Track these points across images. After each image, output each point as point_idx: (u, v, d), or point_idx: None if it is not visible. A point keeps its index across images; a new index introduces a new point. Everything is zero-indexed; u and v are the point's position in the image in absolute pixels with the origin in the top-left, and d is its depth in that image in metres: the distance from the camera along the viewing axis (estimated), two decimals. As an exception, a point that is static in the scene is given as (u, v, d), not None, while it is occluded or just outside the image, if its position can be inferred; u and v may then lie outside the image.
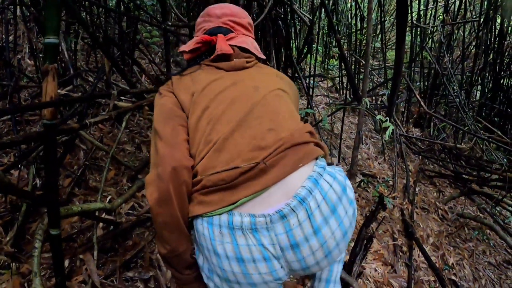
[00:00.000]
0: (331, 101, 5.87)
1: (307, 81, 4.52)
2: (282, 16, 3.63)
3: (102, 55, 4.06)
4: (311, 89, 4.34)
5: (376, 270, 2.71)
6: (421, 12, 6.00)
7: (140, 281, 2.11)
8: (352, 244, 2.24)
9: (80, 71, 3.62)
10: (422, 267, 2.94)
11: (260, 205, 1.11)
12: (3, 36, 3.20)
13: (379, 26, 6.29)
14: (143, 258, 2.24)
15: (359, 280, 2.44)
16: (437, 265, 2.94)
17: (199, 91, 1.30)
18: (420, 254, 2.98)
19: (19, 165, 2.45)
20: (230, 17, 1.53)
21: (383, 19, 5.68)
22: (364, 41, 5.71)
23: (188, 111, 1.28)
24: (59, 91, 1.72)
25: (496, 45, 5.32)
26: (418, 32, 5.46)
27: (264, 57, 1.54)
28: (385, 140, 4.79)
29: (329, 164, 1.29)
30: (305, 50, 4.22)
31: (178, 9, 4.77)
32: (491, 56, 5.44)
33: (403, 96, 5.88)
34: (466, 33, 6.15)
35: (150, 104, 2.22)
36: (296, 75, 4.01)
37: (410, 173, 4.21)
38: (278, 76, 1.49)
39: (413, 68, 5.80)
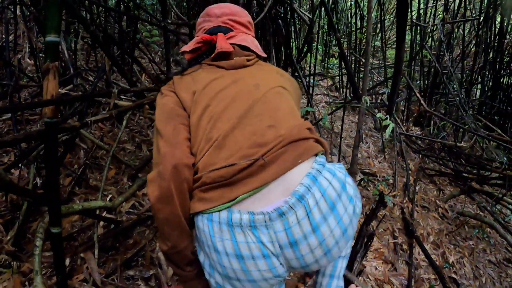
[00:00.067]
0: (331, 100, 5.87)
1: (307, 80, 4.53)
2: (282, 15, 3.63)
3: (102, 54, 4.06)
4: (311, 88, 4.35)
5: (376, 268, 2.71)
6: (421, 11, 6.00)
7: (141, 279, 2.11)
8: (353, 242, 2.24)
9: (80, 70, 3.62)
10: (423, 265, 2.95)
11: (259, 202, 1.11)
12: (3, 36, 3.20)
13: (379, 25, 6.29)
14: (144, 256, 2.25)
15: (360, 278, 2.44)
16: (437, 263, 2.94)
17: (200, 90, 1.30)
18: (421, 252, 2.98)
19: (20, 164, 2.45)
20: (230, 16, 1.54)
21: (383, 17, 5.68)
22: (364, 40, 5.71)
23: (190, 110, 1.29)
24: (59, 90, 1.72)
25: (496, 44, 5.31)
26: (418, 31, 5.46)
27: (265, 55, 1.54)
28: (385, 139, 4.79)
29: (329, 162, 1.29)
30: (305, 49, 4.21)
31: (178, 8, 4.78)
32: (491, 55, 5.43)
33: (403, 95, 5.89)
34: (466, 31, 6.15)
35: (151, 103, 2.22)
36: (296, 74, 4.01)
37: (410, 172, 4.22)
38: (278, 73, 1.49)
39: (413, 67, 5.80)
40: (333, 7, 5.61)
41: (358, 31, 5.90)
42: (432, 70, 5.77)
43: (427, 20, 5.79)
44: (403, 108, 6.06)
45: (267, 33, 3.38)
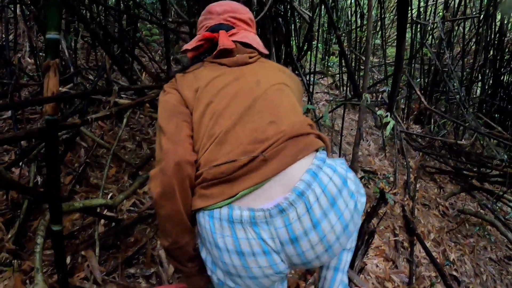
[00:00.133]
0: (331, 98, 5.87)
1: (307, 78, 4.52)
2: (282, 13, 3.62)
3: (102, 53, 4.06)
4: (311, 86, 4.35)
5: (377, 266, 2.71)
6: (421, 9, 6.00)
7: (142, 277, 2.11)
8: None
9: (81, 69, 3.62)
10: (424, 263, 2.95)
11: (260, 198, 1.11)
12: (3, 35, 3.20)
13: (379, 23, 6.28)
14: (144, 254, 2.25)
15: (361, 275, 2.44)
16: (438, 260, 2.94)
17: (203, 88, 1.31)
18: (421, 249, 2.98)
19: (20, 163, 2.45)
20: (231, 14, 1.54)
21: (383, 16, 5.67)
22: (364, 38, 5.71)
23: (192, 108, 1.30)
24: (59, 88, 1.72)
25: (496, 42, 5.30)
26: (418, 29, 5.45)
27: (267, 52, 1.54)
28: (385, 137, 4.79)
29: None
30: (305, 47, 4.21)
31: (178, 6, 4.77)
32: (491, 53, 5.42)
33: (404, 93, 5.88)
34: (466, 29, 6.15)
35: (151, 101, 2.22)
36: (296, 72, 4.00)
37: (410, 170, 4.22)
38: (280, 70, 1.49)
39: (413, 65, 5.79)
40: (333, 5, 5.60)
41: (358, 29, 5.90)
42: (432, 68, 5.77)
43: (427, 18, 5.79)
44: (403, 106, 6.06)
45: (267, 31, 3.37)
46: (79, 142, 2.94)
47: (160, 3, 3.27)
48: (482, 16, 5.11)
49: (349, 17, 6.65)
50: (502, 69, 5.55)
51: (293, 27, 4.44)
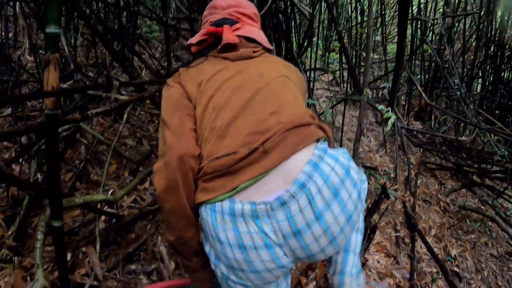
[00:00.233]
0: (331, 95, 5.86)
1: (308, 75, 4.51)
2: (282, 9, 3.61)
3: (102, 50, 4.06)
4: (311, 83, 4.34)
5: (379, 262, 2.71)
6: (422, 5, 5.98)
7: (143, 273, 2.11)
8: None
9: (80, 66, 3.61)
10: (425, 259, 2.94)
11: (261, 191, 1.10)
12: (3, 33, 3.20)
13: (380, 20, 6.27)
14: (145, 250, 2.25)
15: (362, 271, 2.44)
16: (439, 256, 2.93)
17: (206, 81, 1.31)
18: (423, 245, 2.97)
19: (20, 160, 2.45)
20: (236, 8, 1.55)
21: (383, 12, 5.66)
22: (365, 35, 5.70)
23: (195, 102, 1.30)
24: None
25: (497, 38, 5.30)
26: (419, 25, 5.44)
27: (271, 47, 1.54)
28: (386, 133, 4.78)
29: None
30: (305, 44, 4.20)
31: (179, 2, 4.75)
32: (492, 49, 5.41)
33: (404, 89, 5.87)
34: (467, 25, 6.13)
35: (152, 97, 2.22)
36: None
37: (411, 166, 4.21)
38: (284, 65, 1.49)
39: (413, 61, 5.79)
40: (333, 1, 5.59)
41: (358, 25, 5.88)
42: (433, 64, 5.75)
43: (427, 14, 5.77)
44: (403, 103, 6.05)
45: (268, 28, 3.37)
46: (80, 139, 2.94)
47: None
48: (482, 12, 5.10)
49: (349, 13, 6.64)
50: (503, 66, 5.54)
51: (293, 24, 4.43)
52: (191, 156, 1.17)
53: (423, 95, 4.72)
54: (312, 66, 4.70)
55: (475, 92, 6.21)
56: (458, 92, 4.88)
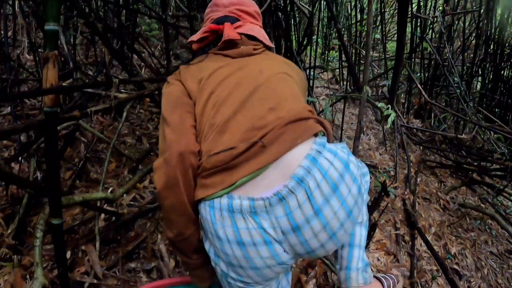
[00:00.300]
0: (331, 93, 5.86)
1: (307, 73, 4.51)
2: (282, 7, 3.61)
3: (101, 49, 4.05)
4: (311, 81, 4.33)
5: (379, 259, 2.71)
6: (421, 3, 5.98)
7: (143, 271, 2.11)
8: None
9: (80, 64, 3.61)
10: (425, 257, 2.94)
11: (259, 186, 1.10)
12: (2, 32, 3.19)
13: (379, 18, 6.27)
14: (145, 249, 2.24)
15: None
16: (439, 254, 2.93)
17: (206, 78, 1.31)
18: (423, 243, 2.97)
19: (20, 158, 2.44)
20: (237, 6, 1.55)
21: (383, 10, 5.66)
22: (364, 33, 5.69)
23: (195, 98, 1.30)
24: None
25: (496, 36, 5.29)
26: (419, 23, 5.43)
27: (272, 45, 1.54)
28: (386, 131, 4.78)
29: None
30: (305, 42, 4.20)
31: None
32: (491, 47, 5.40)
33: (404, 87, 5.87)
34: (467, 23, 6.13)
35: (151, 95, 2.22)
36: (296, 66, 3.99)
37: (411, 164, 4.21)
38: (285, 62, 1.49)
39: (413, 59, 5.78)
40: (333, -1, 5.58)
41: (358, 23, 5.88)
42: (432, 62, 5.75)
43: (427, 12, 5.76)
44: (403, 101, 6.05)
45: (267, 26, 3.37)
46: (79, 137, 2.94)
47: (159, -3, 3.26)
48: (482, 10, 5.09)
49: (349, 11, 6.63)
50: (503, 64, 5.53)
51: (292, 22, 4.42)
52: (191, 153, 1.17)
53: (423, 93, 4.71)
54: (312, 64, 4.69)
55: (474, 90, 6.20)
56: (458, 90, 4.86)
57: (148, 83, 2.62)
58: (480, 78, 5.94)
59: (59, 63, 3.33)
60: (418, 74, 5.99)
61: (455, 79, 5.11)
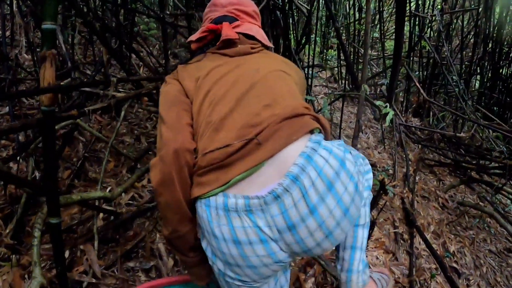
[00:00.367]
0: (330, 91, 5.86)
1: (306, 72, 4.51)
2: (280, 6, 3.61)
3: (100, 48, 4.04)
4: (310, 80, 4.33)
5: (377, 258, 2.71)
6: (420, 2, 5.98)
7: (141, 271, 2.11)
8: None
9: (78, 64, 3.60)
10: (424, 255, 2.94)
11: (255, 184, 1.10)
12: (0, 32, 3.19)
13: (377, 16, 6.26)
14: (144, 248, 2.24)
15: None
16: (438, 252, 2.93)
17: (203, 77, 1.32)
18: (421, 242, 2.97)
19: (18, 158, 2.44)
20: (236, 6, 1.56)
21: (381, 9, 5.66)
22: (363, 31, 5.69)
23: (193, 97, 1.31)
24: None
25: (495, 35, 5.29)
26: (417, 22, 5.43)
27: (271, 45, 1.55)
28: (384, 129, 4.78)
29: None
30: (303, 41, 4.20)
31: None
32: (490, 45, 5.40)
33: (402, 86, 5.87)
34: (465, 22, 6.12)
35: (149, 94, 2.21)
36: (294, 65, 3.98)
37: (410, 162, 4.21)
38: (283, 61, 1.50)
39: (412, 58, 5.77)
40: (331, -2, 5.58)
41: (356, 22, 5.88)
42: (431, 61, 5.74)
43: (425, 11, 5.76)
44: (402, 99, 6.05)
45: (266, 25, 3.36)
46: (77, 137, 2.93)
47: (157, -4, 3.26)
48: (481, 9, 5.09)
49: (347, 10, 6.63)
50: (501, 62, 5.53)
51: (291, 21, 4.42)
52: (187, 150, 1.17)
53: (421, 91, 4.71)
54: (310, 63, 4.69)
55: (473, 89, 6.20)
56: (457, 89, 4.86)
57: (147, 82, 2.62)
58: (478, 77, 5.94)
59: (57, 63, 3.33)
60: (417, 73, 5.98)
61: (454, 77, 5.10)
